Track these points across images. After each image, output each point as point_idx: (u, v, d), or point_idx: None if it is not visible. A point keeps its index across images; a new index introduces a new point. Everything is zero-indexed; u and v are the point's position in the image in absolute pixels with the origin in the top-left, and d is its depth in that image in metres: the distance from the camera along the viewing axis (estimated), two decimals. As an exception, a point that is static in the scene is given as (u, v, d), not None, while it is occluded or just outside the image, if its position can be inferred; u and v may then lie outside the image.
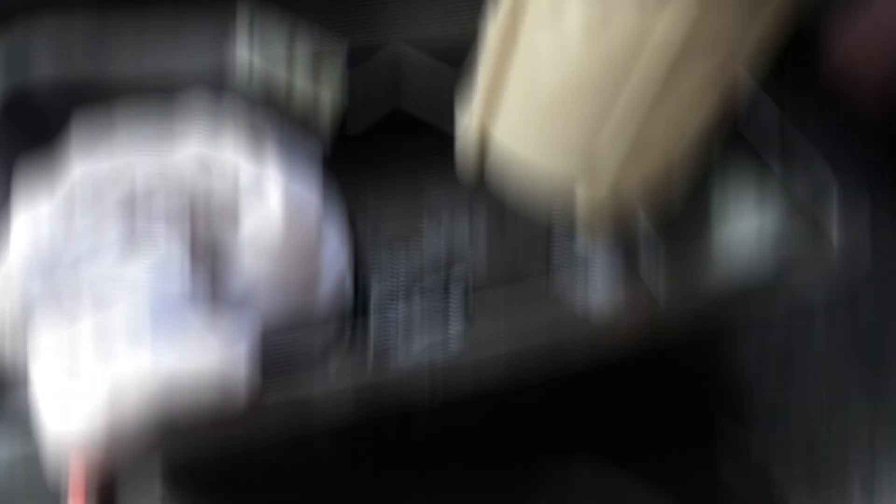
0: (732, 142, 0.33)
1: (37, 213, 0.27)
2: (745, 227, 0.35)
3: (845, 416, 0.35)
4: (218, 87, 0.33)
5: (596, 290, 0.35)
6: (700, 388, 0.38)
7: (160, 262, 0.28)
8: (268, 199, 0.29)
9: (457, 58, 0.31)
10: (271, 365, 0.27)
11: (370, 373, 0.25)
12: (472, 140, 0.29)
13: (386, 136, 0.37)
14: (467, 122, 0.29)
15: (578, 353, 0.27)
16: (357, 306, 0.34)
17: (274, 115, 0.34)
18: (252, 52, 0.34)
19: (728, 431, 0.36)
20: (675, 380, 0.37)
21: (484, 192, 0.34)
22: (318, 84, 0.35)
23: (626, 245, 0.35)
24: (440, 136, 0.34)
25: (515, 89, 0.27)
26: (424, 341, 0.32)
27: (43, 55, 0.33)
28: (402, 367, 0.27)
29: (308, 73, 0.34)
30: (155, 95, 0.32)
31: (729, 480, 0.35)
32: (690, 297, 0.28)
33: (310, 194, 0.32)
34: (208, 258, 0.30)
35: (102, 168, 0.28)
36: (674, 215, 0.34)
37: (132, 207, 0.28)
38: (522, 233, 0.38)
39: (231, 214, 0.29)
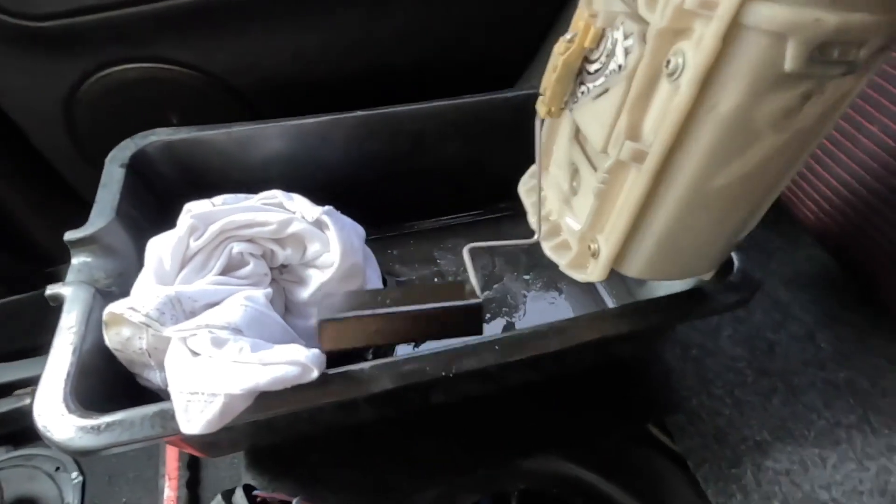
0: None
1: (162, 240, 0.36)
2: None
3: (744, 396, 0.49)
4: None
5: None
6: (638, 385, 0.50)
7: (251, 276, 0.37)
8: (329, 231, 0.39)
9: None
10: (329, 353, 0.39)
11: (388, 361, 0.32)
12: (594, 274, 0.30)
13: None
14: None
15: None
16: None
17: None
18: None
19: (658, 418, 0.48)
20: (617, 380, 0.49)
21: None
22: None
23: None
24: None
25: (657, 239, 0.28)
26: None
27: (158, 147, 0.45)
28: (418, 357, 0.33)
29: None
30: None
31: (659, 462, 0.47)
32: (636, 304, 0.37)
33: (353, 230, 0.42)
34: (282, 274, 0.41)
35: (209, 208, 0.37)
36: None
37: (230, 236, 0.37)
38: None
39: (298, 241, 0.39)
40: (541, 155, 0.33)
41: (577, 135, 0.31)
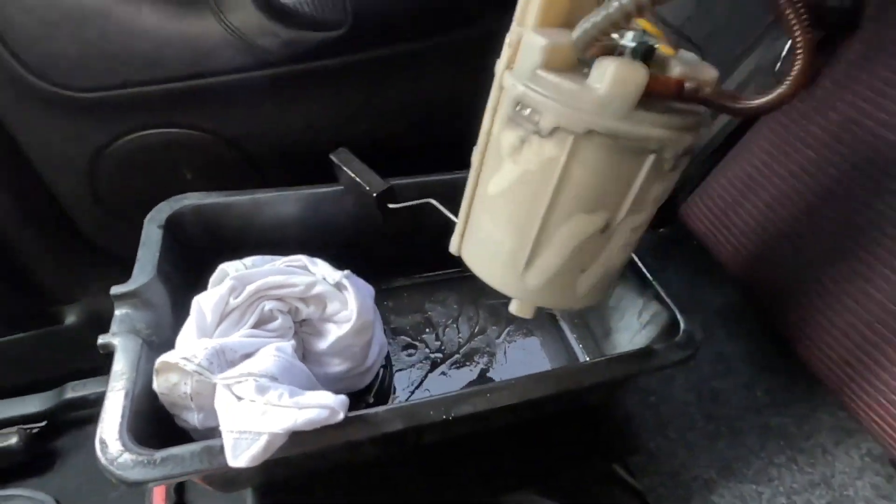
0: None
1: (206, 297, 0.41)
2: (630, 317, 0.55)
3: (694, 439, 0.56)
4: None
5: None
6: (603, 428, 0.57)
7: (279, 329, 0.43)
8: (348, 292, 0.45)
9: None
10: (343, 389, 0.44)
11: (399, 406, 0.38)
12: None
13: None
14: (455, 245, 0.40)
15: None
16: (388, 362, 0.53)
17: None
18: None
19: (621, 458, 0.55)
20: (585, 424, 0.56)
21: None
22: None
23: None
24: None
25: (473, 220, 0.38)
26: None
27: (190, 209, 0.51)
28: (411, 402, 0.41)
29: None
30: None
31: (622, 497, 0.53)
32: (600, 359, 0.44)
33: (367, 292, 0.48)
34: (302, 327, 0.47)
35: (244, 270, 0.43)
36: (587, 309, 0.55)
37: (263, 295, 0.43)
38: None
39: (320, 300, 0.45)
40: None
41: None
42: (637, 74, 0.27)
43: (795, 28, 0.27)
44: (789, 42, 0.44)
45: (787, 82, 0.28)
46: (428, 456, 0.50)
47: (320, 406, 0.33)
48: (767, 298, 0.55)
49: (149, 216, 0.48)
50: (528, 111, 0.30)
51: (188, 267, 0.49)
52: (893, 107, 0.45)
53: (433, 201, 0.50)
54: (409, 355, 0.59)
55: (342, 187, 0.56)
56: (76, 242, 0.68)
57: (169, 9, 0.52)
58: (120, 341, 0.38)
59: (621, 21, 0.26)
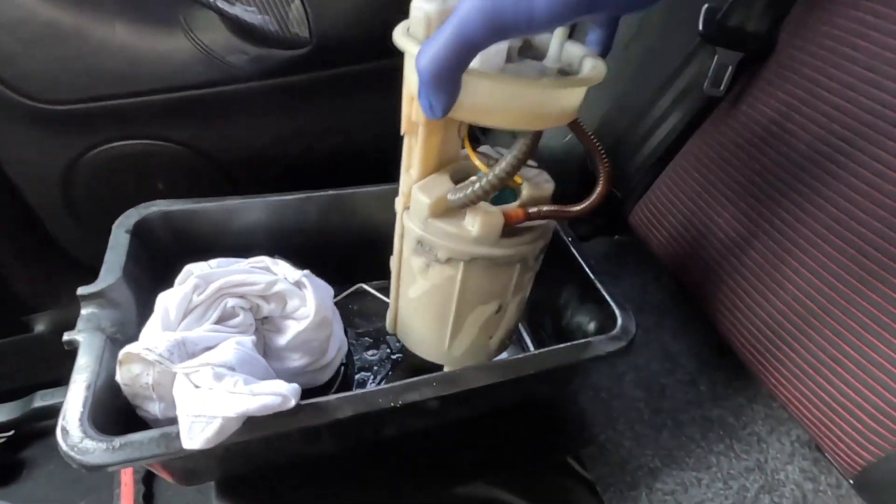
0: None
1: (170, 294, 0.43)
2: (580, 317, 0.58)
3: (641, 431, 0.59)
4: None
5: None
6: (557, 422, 0.60)
7: (240, 325, 0.45)
8: (307, 290, 0.47)
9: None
10: (303, 384, 0.47)
11: (349, 394, 0.40)
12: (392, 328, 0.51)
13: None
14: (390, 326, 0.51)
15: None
16: (350, 360, 0.56)
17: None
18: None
19: (574, 451, 0.58)
20: (541, 419, 0.59)
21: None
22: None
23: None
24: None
25: (402, 312, 0.48)
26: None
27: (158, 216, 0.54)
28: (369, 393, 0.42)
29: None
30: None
31: (573, 487, 0.56)
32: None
33: (326, 291, 0.50)
34: (263, 324, 0.49)
35: (208, 270, 0.45)
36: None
37: (226, 293, 0.45)
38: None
39: (280, 298, 0.47)
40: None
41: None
42: (496, 219, 0.38)
43: (598, 161, 0.39)
44: (713, 64, 0.51)
45: (593, 198, 0.39)
46: (387, 450, 0.53)
47: (273, 393, 0.35)
48: (698, 289, 0.59)
49: (117, 222, 0.51)
50: (427, 247, 0.41)
51: (156, 269, 0.51)
52: (801, 117, 0.50)
53: (365, 286, 0.62)
54: (372, 355, 0.61)
55: (307, 196, 0.59)
56: (49, 252, 0.69)
57: (141, 27, 0.55)
58: (84, 337, 0.40)
59: (489, 193, 0.37)
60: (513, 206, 0.40)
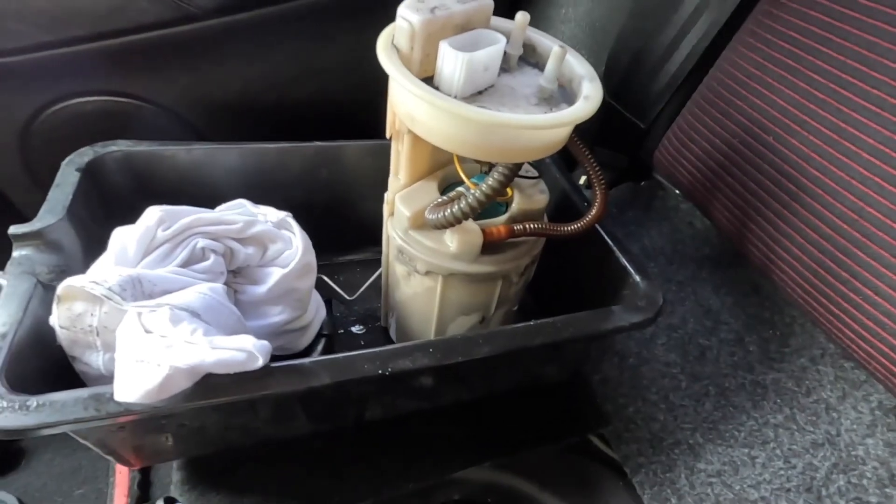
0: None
1: (129, 229, 0.37)
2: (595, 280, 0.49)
3: (677, 401, 0.49)
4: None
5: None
6: (574, 398, 0.51)
7: (209, 272, 0.38)
8: (293, 229, 0.42)
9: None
10: (279, 348, 0.40)
11: (328, 357, 0.34)
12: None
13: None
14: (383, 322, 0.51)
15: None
16: (333, 332, 0.49)
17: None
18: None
19: (596, 428, 0.49)
20: (556, 395, 0.50)
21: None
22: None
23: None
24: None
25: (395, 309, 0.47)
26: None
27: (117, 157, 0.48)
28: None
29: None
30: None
31: (596, 469, 0.47)
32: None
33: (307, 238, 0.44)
34: (235, 278, 0.42)
35: (176, 207, 0.39)
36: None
37: (197, 231, 0.38)
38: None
39: (260, 241, 0.41)
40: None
41: None
42: (475, 237, 0.37)
43: (595, 183, 0.38)
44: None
45: (590, 216, 0.38)
46: (373, 435, 0.45)
47: (237, 348, 0.28)
48: (737, 229, 0.49)
49: (67, 159, 0.45)
50: (407, 258, 0.40)
51: (110, 216, 0.44)
52: (862, 14, 0.38)
53: (328, 280, 0.57)
54: (360, 330, 0.54)
55: (291, 145, 0.52)
56: (12, 221, 0.65)
57: (71, -43, 0.49)
58: (9, 280, 0.34)
59: (466, 217, 0.35)
60: (497, 222, 0.39)
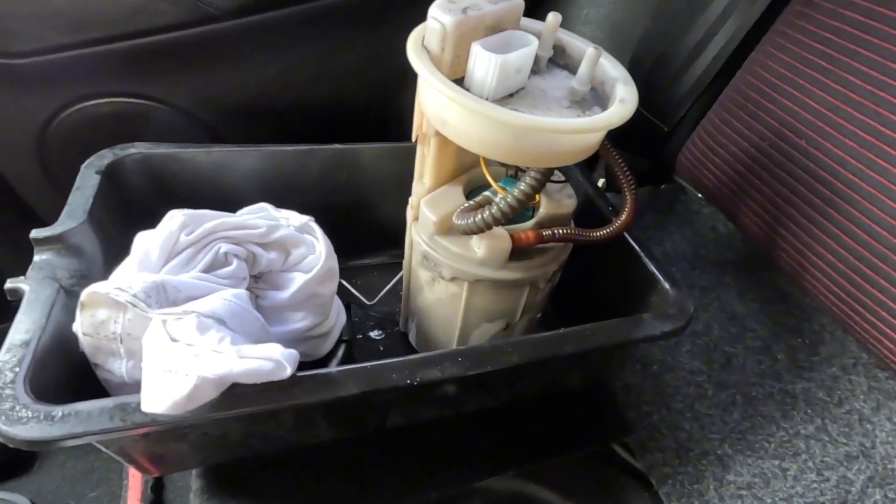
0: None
1: (152, 233, 0.36)
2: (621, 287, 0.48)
3: (704, 410, 0.48)
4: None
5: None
6: (597, 405, 0.50)
7: (231, 277, 0.37)
8: (316, 233, 0.41)
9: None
10: (301, 354, 0.39)
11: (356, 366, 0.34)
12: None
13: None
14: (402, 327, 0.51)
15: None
16: (353, 337, 0.48)
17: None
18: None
19: (620, 437, 0.47)
20: (578, 403, 0.49)
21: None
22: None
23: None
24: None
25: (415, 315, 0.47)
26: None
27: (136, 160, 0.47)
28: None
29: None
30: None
31: (620, 479, 0.46)
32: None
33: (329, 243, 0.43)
34: (257, 283, 0.42)
35: (201, 211, 0.38)
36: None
37: (220, 236, 0.38)
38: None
39: (282, 246, 0.40)
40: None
41: None
42: (503, 243, 0.36)
43: (626, 188, 0.37)
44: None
45: (616, 225, 0.37)
46: (394, 442, 0.44)
47: (265, 357, 0.28)
48: (764, 234, 0.47)
49: (87, 162, 0.45)
50: (432, 263, 0.39)
51: (129, 219, 0.44)
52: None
53: (347, 285, 0.56)
54: (378, 335, 0.53)
55: (308, 148, 0.51)
56: (31, 226, 0.65)
57: (92, -41, 0.48)
58: (32, 285, 0.34)
59: (497, 223, 0.34)
60: (524, 228, 0.38)
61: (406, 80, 0.62)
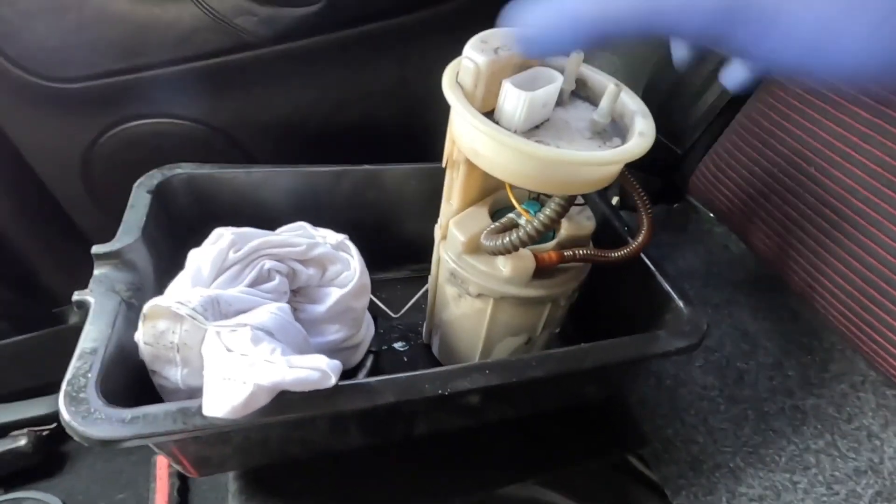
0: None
1: (204, 250, 0.39)
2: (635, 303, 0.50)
3: (716, 424, 0.50)
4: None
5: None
6: (614, 414, 0.52)
7: (274, 291, 0.41)
8: (351, 251, 0.44)
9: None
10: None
11: (393, 377, 0.36)
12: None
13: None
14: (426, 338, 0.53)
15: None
16: (379, 348, 0.51)
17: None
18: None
19: (634, 448, 0.49)
20: (594, 414, 0.51)
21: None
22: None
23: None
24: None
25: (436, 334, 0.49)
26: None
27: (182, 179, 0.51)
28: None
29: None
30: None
31: (636, 489, 0.48)
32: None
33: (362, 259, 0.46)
34: (296, 296, 0.44)
35: (245, 230, 0.42)
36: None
37: (264, 253, 0.41)
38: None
39: (320, 263, 0.43)
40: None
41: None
42: (528, 262, 0.39)
43: (642, 210, 0.40)
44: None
45: (634, 245, 0.40)
46: (419, 450, 0.47)
47: (313, 368, 0.31)
48: (776, 255, 0.49)
49: (138, 182, 0.48)
50: (459, 280, 0.42)
51: (176, 235, 0.47)
52: None
53: (374, 298, 0.58)
54: (402, 347, 0.55)
55: (341, 169, 0.55)
56: (76, 243, 0.68)
57: (144, -8, 0.52)
58: (97, 298, 0.36)
59: (523, 244, 0.37)
60: (547, 248, 0.40)
61: (431, 102, 0.65)
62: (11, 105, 0.55)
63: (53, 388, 0.58)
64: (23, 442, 0.57)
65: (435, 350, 0.52)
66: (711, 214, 0.63)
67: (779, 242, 0.50)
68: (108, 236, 0.70)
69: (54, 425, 0.60)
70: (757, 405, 0.51)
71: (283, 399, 0.31)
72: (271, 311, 0.35)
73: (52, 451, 0.59)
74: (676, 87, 0.57)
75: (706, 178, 0.57)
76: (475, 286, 0.41)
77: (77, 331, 0.76)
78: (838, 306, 0.45)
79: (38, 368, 0.68)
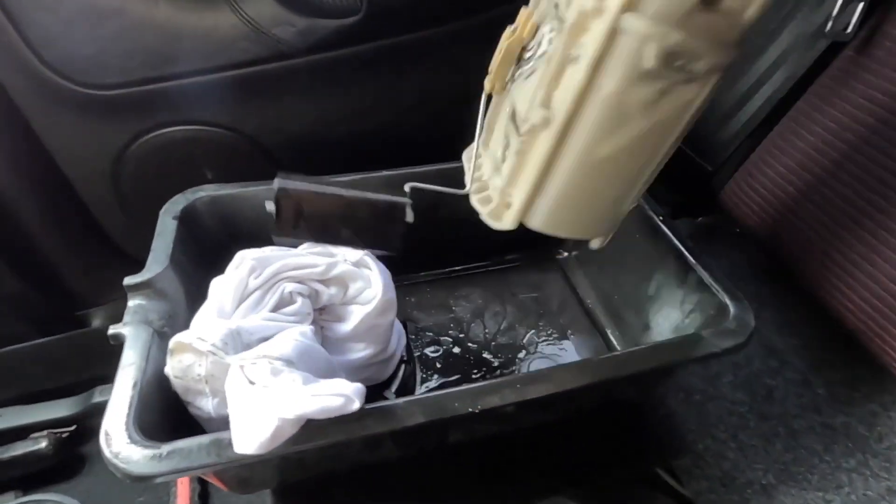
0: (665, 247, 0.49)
1: (225, 279, 0.40)
2: (671, 307, 0.51)
3: (747, 440, 0.51)
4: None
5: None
6: (643, 428, 0.52)
7: (297, 314, 0.41)
8: (371, 268, 0.43)
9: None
10: (366, 379, 0.42)
11: (420, 397, 0.38)
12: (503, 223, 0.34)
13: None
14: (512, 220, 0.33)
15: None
16: (410, 357, 0.50)
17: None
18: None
19: (665, 461, 0.50)
20: (624, 425, 0.51)
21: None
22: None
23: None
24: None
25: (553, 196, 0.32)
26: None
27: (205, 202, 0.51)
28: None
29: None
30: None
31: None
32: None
33: (387, 272, 0.45)
34: (321, 315, 0.44)
35: (265, 254, 0.42)
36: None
37: (283, 276, 0.41)
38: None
39: (342, 281, 0.43)
40: (483, 124, 0.37)
41: (514, 114, 0.34)
42: None
43: None
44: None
45: None
46: (454, 458, 0.47)
47: (334, 394, 0.30)
48: (807, 272, 0.50)
49: (164, 208, 0.48)
50: (680, 61, 0.27)
51: (203, 258, 0.47)
52: None
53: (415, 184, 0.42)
54: (434, 352, 0.56)
55: (360, 177, 0.54)
56: (102, 246, 0.68)
57: (183, 2, 0.52)
58: (130, 331, 0.37)
59: None
60: None
61: (458, 113, 0.65)
62: (46, 110, 0.55)
63: (74, 390, 0.58)
64: (43, 444, 0.56)
65: (538, 222, 0.33)
66: (737, 230, 0.64)
67: (806, 260, 0.50)
68: (133, 241, 0.70)
69: (74, 427, 0.60)
70: (787, 422, 0.51)
71: (312, 426, 0.31)
72: (294, 338, 0.35)
73: (72, 454, 0.59)
74: (711, 105, 0.57)
75: (736, 195, 0.57)
76: (709, 59, 0.27)
77: (100, 333, 0.76)
78: (871, 325, 0.45)
79: (59, 371, 0.68)
